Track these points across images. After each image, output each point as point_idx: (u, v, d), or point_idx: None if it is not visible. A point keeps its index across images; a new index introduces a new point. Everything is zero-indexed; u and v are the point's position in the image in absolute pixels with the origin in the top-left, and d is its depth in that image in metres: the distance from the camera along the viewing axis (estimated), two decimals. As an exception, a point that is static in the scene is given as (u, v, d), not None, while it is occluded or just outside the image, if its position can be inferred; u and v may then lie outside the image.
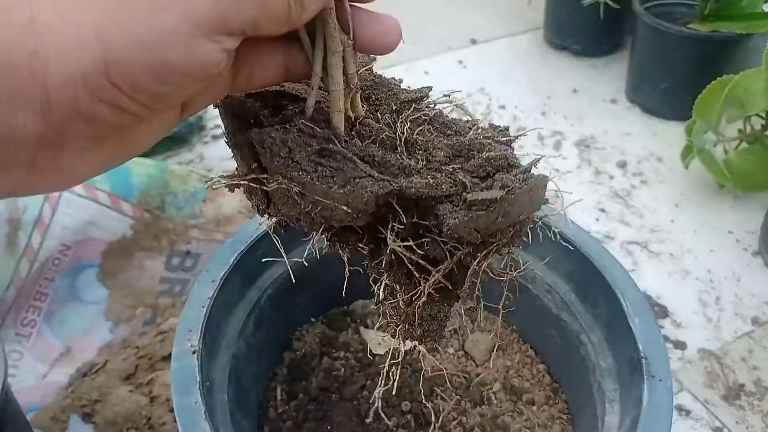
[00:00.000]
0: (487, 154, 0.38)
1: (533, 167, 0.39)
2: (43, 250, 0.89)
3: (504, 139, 0.42)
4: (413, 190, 0.36)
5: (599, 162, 1.15)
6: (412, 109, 0.41)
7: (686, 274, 0.94)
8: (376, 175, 0.36)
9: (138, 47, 0.25)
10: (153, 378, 0.80)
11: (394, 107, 0.41)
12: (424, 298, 0.40)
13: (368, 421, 0.61)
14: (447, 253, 0.37)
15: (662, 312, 0.89)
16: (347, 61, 0.36)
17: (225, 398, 0.56)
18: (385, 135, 0.38)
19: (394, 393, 0.65)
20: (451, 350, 0.69)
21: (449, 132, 0.41)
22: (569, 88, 1.33)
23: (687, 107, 1.01)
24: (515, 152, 0.41)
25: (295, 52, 0.35)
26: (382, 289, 0.42)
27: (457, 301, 0.43)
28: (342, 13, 0.35)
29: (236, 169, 0.41)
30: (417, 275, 0.40)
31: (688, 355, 0.83)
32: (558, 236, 0.59)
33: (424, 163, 0.38)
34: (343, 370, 0.67)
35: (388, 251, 0.38)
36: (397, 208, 0.36)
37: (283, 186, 0.36)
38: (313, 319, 0.73)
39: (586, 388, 0.61)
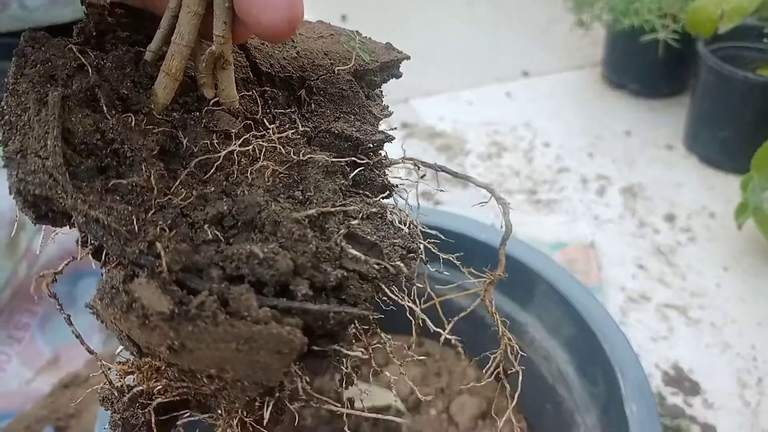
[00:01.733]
0: (258, 249, 0.25)
1: (342, 314, 0.26)
2: (44, 255, 0.88)
3: (373, 261, 0.28)
4: (81, 219, 0.25)
5: (645, 213, 1.06)
6: (321, 144, 0.32)
7: (726, 347, 0.83)
8: (55, 163, 0.26)
9: None
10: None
11: (301, 128, 0.32)
12: None
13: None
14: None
15: (693, 389, 0.79)
16: (216, 19, 0.29)
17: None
18: (217, 144, 0.29)
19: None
20: (433, 412, 0.62)
21: (295, 194, 0.30)
22: (622, 130, 1.24)
23: (748, 159, 0.91)
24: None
25: None
26: None
27: None
28: None
29: None
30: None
31: (715, 442, 0.73)
32: (559, 297, 0.52)
33: (185, 203, 0.27)
34: (309, 419, 0.61)
35: None
36: (78, 234, 0.27)
37: None
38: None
39: (575, 475, 0.53)
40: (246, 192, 0.29)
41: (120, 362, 0.31)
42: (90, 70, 0.29)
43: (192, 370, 0.26)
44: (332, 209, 0.28)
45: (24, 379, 0.82)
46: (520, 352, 0.59)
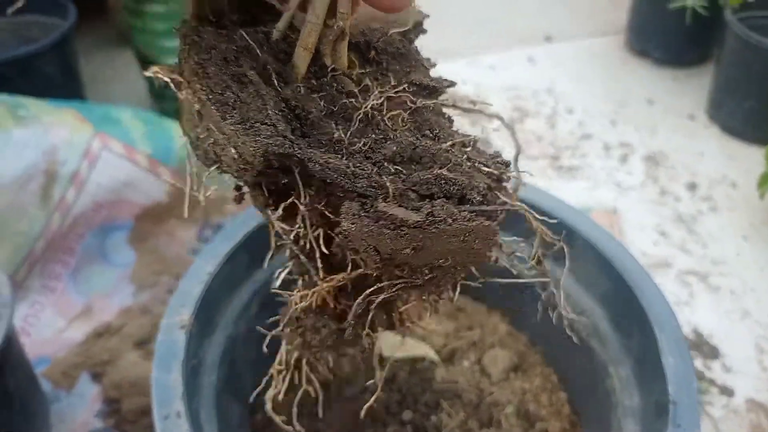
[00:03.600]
0: (440, 172, 0.31)
1: (498, 213, 0.32)
2: (77, 206, 0.89)
3: (494, 170, 0.34)
4: (318, 166, 0.30)
5: (667, 181, 1.06)
6: (411, 93, 0.35)
7: (745, 314, 0.85)
8: (282, 128, 0.29)
9: None
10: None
11: (393, 82, 0.35)
12: (314, 303, 0.36)
13: (364, 423, 0.57)
14: (349, 263, 0.32)
15: (712, 353, 0.80)
16: None
17: (213, 379, 0.53)
18: (350, 102, 0.33)
19: (397, 400, 0.60)
20: (466, 363, 0.64)
21: (426, 132, 0.35)
22: (644, 98, 1.24)
23: (771, 130, 0.91)
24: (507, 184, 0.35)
25: None
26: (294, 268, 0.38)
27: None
28: None
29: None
30: (312, 271, 0.34)
31: (734, 403, 0.74)
32: (595, 253, 0.54)
33: (365, 148, 0.32)
34: (347, 367, 0.63)
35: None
36: (299, 180, 0.31)
37: (188, 97, 0.31)
38: (326, 310, 0.69)
39: (605, 425, 0.55)
40: (397, 136, 0.33)
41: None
42: (257, 50, 0.32)
43: (420, 266, 0.31)
44: (458, 140, 0.34)
45: (58, 327, 0.84)
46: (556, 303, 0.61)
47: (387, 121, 0.33)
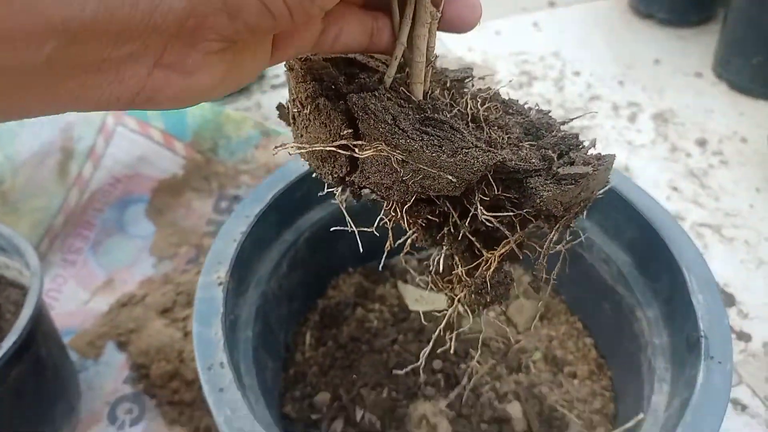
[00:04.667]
0: (558, 134, 0.39)
1: (593, 146, 0.40)
2: (94, 181, 0.90)
3: (559, 120, 0.42)
4: (513, 162, 0.36)
5: (676, 138, 1.07)
6: (463, 88, 0.41)
7: (760, 263, 0.86)
8: (484, 147, 0.36)
9: None
10: (189, 314, 0.80)
11: (445, 84, 0.40)
12: (493, 266, 0.40)
13: (396, 373, 0.58)
14: (517, 224, 0.38)
15: (728, 300, 0.81)
16: (431, 34, 0.36)
17: (249, 334, 0.54)
18: (457, 110, 0.38)
19: (427, 352, 0.61)
20: (492, 314, 0.65)
21: (512, 111, 0.41)
22: (651, 59, 1.24)
23: (781, 84, 0.92)
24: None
25: (382, 21, 0.36)
26: (441, 261, 0.43)
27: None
28: None
29: (294, 131, 0.40)
30: (479, 247, 0.40)
31: (752, 347, 0.76)
32: (622, 201, 0.54)
33: (505, 138, 0.38)
34: (375, 322, 0.64)
35: (459, 223, 0.39)
36: (491, 179, 0.36)
37: (383, 153, 0.35)
38: (350, 269, 0.70)
39: (636, 366, 0.56)
40: (507, 121, 0.40)
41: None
42: (394, 99, 0.36)
43: (578, 204, 0.37)
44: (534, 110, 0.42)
45: (82, 299, 0.85)
46: (581, 253, 0.62)
47: (488, 115, 0.39)
